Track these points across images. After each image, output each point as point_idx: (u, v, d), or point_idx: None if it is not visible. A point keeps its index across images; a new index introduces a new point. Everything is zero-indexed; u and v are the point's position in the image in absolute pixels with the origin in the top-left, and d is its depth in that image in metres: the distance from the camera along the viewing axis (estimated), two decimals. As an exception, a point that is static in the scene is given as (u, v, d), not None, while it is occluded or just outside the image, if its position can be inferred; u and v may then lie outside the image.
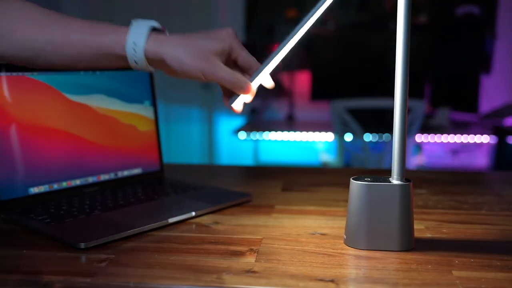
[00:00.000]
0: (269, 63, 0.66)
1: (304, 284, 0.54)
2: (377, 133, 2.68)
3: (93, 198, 0.83)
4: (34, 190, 0.80)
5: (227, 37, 0.64)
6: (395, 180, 0.65)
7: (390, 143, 2.54)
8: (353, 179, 0.67)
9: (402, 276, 0.56)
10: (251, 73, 0.66)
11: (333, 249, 0.65)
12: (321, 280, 0.55)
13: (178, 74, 0.63)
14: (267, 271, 0.58)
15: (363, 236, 0.65)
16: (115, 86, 0.91)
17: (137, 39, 0.61)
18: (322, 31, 3.38)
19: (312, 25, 0.65)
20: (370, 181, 0.65)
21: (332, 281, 0.55)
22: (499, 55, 3.27)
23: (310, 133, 2.95)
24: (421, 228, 0.73)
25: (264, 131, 2.98)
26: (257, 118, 3.36)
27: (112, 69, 0.66)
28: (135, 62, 0.62)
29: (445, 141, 2.91)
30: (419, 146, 3.24)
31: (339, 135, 2.60)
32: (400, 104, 0.64)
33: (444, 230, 0.72)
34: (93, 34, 0.62)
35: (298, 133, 2.97)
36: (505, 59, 3.28)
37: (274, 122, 3.39)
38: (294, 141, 3.13)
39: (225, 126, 3.58)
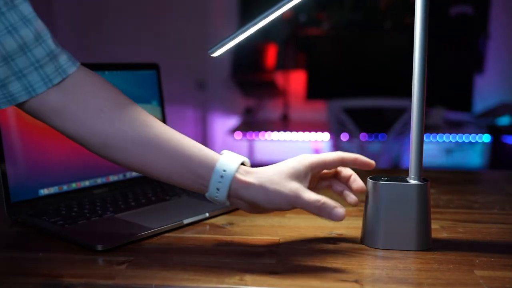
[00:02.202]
0: (240, 33, 0.68)
1: (329, 285, 0.54)
2: (373, 132, 2.69)
3: (103, 199, 0.82)
4: (44, 191, 0.79)
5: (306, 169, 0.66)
6: (412, 180, 0.65)
7: (387, 142, 2.55)
8: (370, 178, 0.67)
9: (425, 276, 0.56)
10: (352, 182, 0.68)
11: (351, 249, 0.65)
12: (345, 280, 0.55)
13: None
14: (290, 272, 0.57)
15: (381, 236, 0.65)
16: (123, 86, 0.90)
17: (227, 167, 0.61)
18: (317, 31, 3.39)
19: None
20: (388, 181, 0.65)
21: (356, 281, 0.55)
22: (492, 54, 3.30)
23: (306, 133, 2.96)
24: (437, 228, 0.73)
25: (259, 131, 2.97)
26: (252, 118, 3.36)
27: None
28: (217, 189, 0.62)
29: (440, 140, 2.93)
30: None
31: (336, 134, 2.60)
32: (417, 104, 0.64)
33: (460, 230, 0.72)
34: (180, 138, 0.63)
35: (294, 133, 2.97)
36: (498, 58, 3.31)
37: (269, 122, 3.39)
38: (290, 141, 3.13)
39: (220, 126, 3.57)
